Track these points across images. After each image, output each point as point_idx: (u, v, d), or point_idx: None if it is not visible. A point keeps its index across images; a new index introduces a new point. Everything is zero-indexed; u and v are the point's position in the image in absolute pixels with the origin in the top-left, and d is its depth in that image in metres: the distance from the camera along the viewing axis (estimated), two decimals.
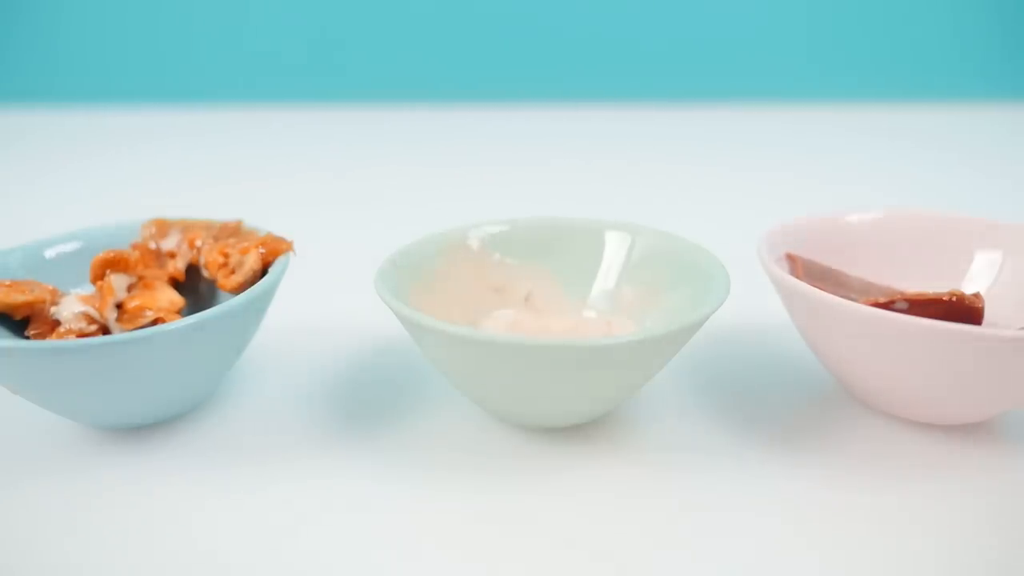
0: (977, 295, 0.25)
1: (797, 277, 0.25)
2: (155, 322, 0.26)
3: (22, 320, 0.26)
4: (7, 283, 0.26)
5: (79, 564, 0.20)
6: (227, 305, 0.24)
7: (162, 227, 0.30)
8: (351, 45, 0.92)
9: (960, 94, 0.88)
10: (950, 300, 0.25)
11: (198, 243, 0.29)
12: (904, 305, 0.25)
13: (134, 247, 0.29)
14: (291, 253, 0.28)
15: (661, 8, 0.88)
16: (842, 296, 0.24)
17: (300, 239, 0.29)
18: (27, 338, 0.26)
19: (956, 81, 0.90)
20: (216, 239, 0.29)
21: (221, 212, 0.32)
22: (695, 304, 0.24)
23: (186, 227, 0.30)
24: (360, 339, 0.32)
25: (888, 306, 0.25)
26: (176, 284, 0.29)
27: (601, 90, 0.88)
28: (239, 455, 0.25)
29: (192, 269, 0.29)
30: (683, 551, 0.20)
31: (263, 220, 0.30)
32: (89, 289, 0.27)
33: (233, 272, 0.27)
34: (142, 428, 0.26)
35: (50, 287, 0.27)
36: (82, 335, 0.26)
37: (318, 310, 0.35)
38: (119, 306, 0.27)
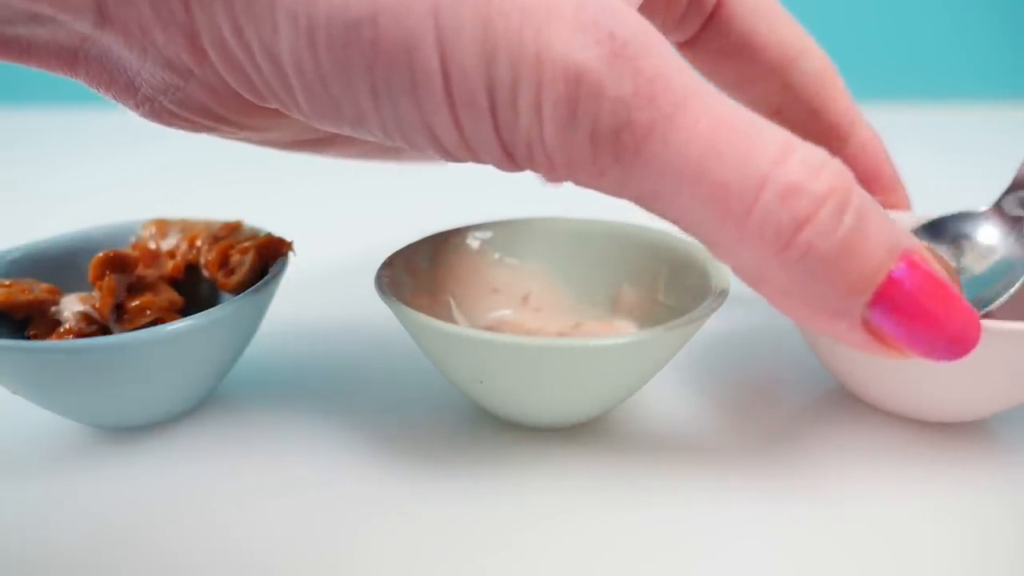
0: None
1: None
2: (155, 322, 0.26)
3: (22, 320, 0.26)
4: (7, 283, 0.26)
5: (78, 564, 0.20)
6: (227, 305, 0.24)
7: (162, 227, 0.30)
8: None
9: (960, 94, 0.88)
10: None
11: (198, 243, 0.29)
12: None
13: (134, 247, 0.29)
14: (291, 253, 0.28)
15: None
16: None
17: (300, 239, 0.29)
18: (27, 338, 0.26)
19: (956, 81, 0.90)
20: (216, 239, 0.29)
21: (221, 212, 0.32)
22: (695, 304, 0.24)
23: (186, 227, 0.30)
24: (360, 339, 0.32)
25: None
26: (176, 284, 0.29)
27: None
28: (239, 455, 0.25)
29: (192, 269, 0.29)
30: (683, 551, 0.20)
31: (263, 220, 0.30)
32: (89, 289, 0.27)
33: (233, 272, 0.27)
34: (142, 428, 0.26)
35: (50, 287, 0.27)
36: (82, 335, 0.26)
37: (318, 310, 0.35)
38: (119, 306, 0.27)
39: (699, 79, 0.17)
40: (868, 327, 0.17)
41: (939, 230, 0.29)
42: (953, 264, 0.28)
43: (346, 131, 0.19)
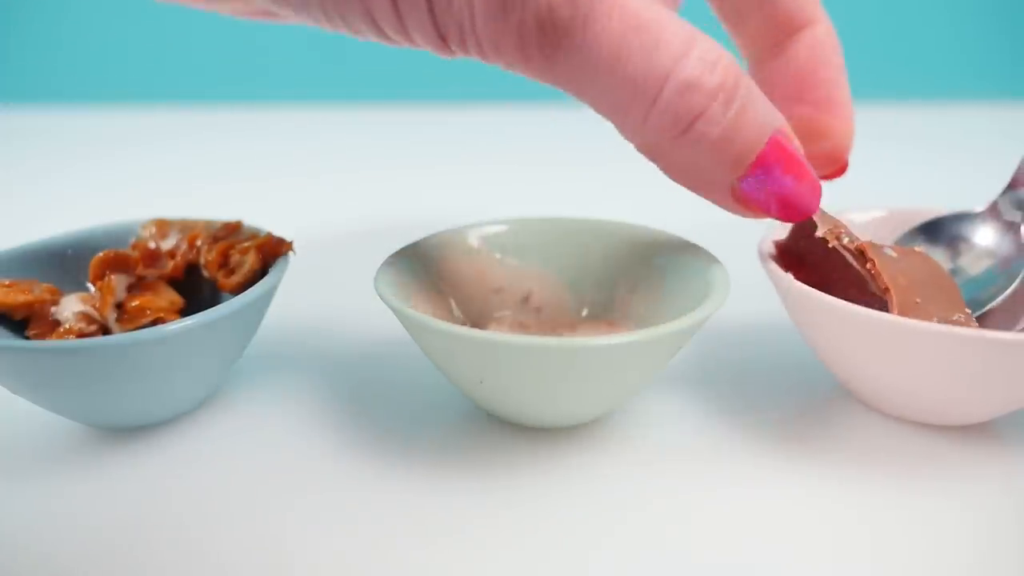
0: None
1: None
2: (155, 322, 0.26)
3: (22, 320, 0.26)
4: (7, 283, 0.26)
5: (79, 564, 0.20)
6: (227, 305, 0.24)
7: (162, 227, 0.30)
8: (351, 45, 0.92)
9: (960, 94, 0.88)
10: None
11: (198, 243, 0.29)
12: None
13: (134, 247, 0.29)
14: (291, 253, 0.28)
15: None
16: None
17: (300, 239, 0.29)
18: (27, 338, 0.26)
19: (956, 81, 0.90)
20: (216, 239, 0.29)
21: (221, 212, 0.32)
22: (695, 304, 0.24)
23: (186, 227, 0.30)
24: (360, 339, 0.32)
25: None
26: (176, 284, 0.29)
27: None
28: (239, 455, 0.25)
29: (192, 269, 0.29)
30: (683, 551, 0.20)
31: (263, 220, 0.30)
32: (89, 289, 0.27)
33: (233, 272, 0.27)
34: (142, 428, 0.26)
35: (50, 287, 0.27)
36: (82, 335, 0.26)
37: (318, 310, 0.35)
38: (119, 306, 0.27)
39: None
40: (735, 194, 0.21)
41: (936, 232, 0.29)
42: (949, 265, 0.28)
43: (290, 15, 0.20)
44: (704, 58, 0.19)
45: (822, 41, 0.26)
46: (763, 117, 0.20)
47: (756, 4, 0.26)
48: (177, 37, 0.93)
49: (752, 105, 0.20)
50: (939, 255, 0.28)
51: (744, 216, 0.22)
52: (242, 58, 0.93)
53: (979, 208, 0.28)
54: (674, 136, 0.20)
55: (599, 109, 0.20)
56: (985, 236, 0.28)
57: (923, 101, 0.86)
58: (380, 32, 0.19)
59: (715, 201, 0.22)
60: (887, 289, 0.24)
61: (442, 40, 0.19)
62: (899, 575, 0.20)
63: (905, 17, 0.92)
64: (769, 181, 0.21)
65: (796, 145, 0.21)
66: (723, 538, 0.21)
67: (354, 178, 0.63)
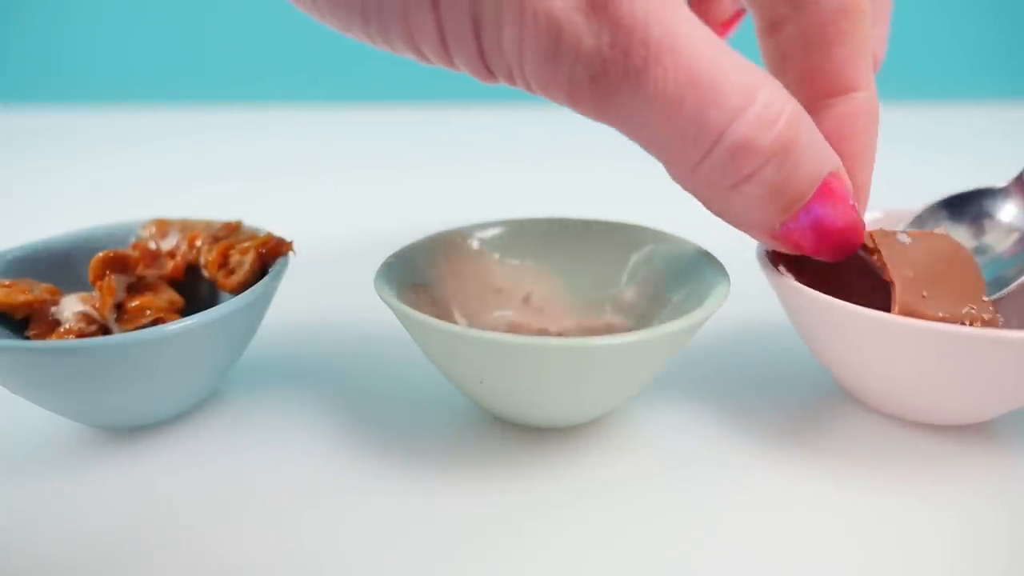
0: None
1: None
2: (155, 322, 0.26)
3: (22, 320, 0.26)
4: (7, 283, 0.26)
5: (79, 564, 0.20)
6: (227, 305, 0.24)
7: (162, 227, 0.30)
8: (351, 45, 0.92)
9: (960, 94, 0.88)
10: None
11: (198, 243, 0.29)
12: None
13: (134, 247, 0.29)
14: (291, 253, 0.28)
15: None
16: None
17: (300, 239, 0.29)
18: (27, 338, 0.26)
19: (956, 81, 0.90)
20: (216, 239, 0.29)
21: (221, 212, 0.32)
22: (695, 304, 0.24)
23: (186, 227, 0.30)
24: (360, 339, 0.32)
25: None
26: (176, 284, 0.29)
27: None
28: (239, 455, 0.25)
29: (192, 269, 0.29)
30: (682, 551, 0.20)
31: (263, 220, 0.30)
32: (89, 289, 0.27)
33: (233, 272, 0.27)
34: (142, 428, 0.26)
35: (50, 287, 0.27)
36: (82, 335, 0.26)
37: (318, 310, 0.35)
38: (119, 306, 0.27)
39: (681, 22, 0.18)
40: (774, 234, 0.21)
41: (959, 208, 0.29)
42: (973, 243, 0.28)
43: (332, 26, 0.20)
44: (763, 114, 0.18)
45: (859, 112, 0.24)
46: (818, 163, 0.19)
47: (801, 55, 0.24)
48: (177, 37, 0.93)
49: (809, 153, 0.19)
50: (962, 232, 0.28)
51: (779, 250, 0.22)
52: (242, 58, 0.93)
53: (1002, 183, 0.28)
54: (720, 191, 0.19)
55: (648, 150, 0.20)
56: (1010, 212, 0.28)
57: (923, 101, 0.86)
58: (421, 56, 0.19)
59: (753, 236, 0.21)
60: (891, 283, 0.24)
61: (489, 74, 0.19)
62: (897, 574, 0.20)
63: (905, 17, 0.92)
64: (813, 224, 0.20)
65: (847, 187, 0.20)
66: (723, 538, 0.21)
67: (354, 178, 0.63)
